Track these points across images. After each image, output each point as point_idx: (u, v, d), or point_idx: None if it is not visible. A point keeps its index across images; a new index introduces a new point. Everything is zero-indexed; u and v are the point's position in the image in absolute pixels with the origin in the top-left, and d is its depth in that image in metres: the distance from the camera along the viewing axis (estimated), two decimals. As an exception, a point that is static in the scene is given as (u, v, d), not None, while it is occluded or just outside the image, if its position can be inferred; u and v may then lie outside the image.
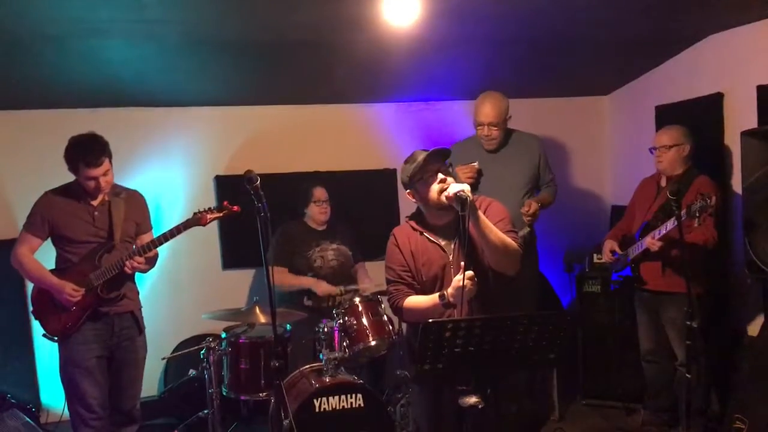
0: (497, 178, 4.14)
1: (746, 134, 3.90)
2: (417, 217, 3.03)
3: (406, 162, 2.94)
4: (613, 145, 5.78)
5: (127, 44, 3.91)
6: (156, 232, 3.72)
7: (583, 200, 5.77)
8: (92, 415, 3.57)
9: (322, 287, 4.47)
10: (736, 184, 4.23)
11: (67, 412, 3.64)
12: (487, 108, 4.10)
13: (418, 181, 2.89)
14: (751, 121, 4.09)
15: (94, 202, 3.61)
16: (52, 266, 3.61)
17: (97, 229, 3.60)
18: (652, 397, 4.30)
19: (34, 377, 4.66)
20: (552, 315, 2.61)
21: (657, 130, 4.30)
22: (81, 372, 3.54)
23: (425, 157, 2.85)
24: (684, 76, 4.81)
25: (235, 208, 3.70)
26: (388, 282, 3.02)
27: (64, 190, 3.61)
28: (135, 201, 3.78)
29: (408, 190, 2.97)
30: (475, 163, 4.09)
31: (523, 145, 4.30)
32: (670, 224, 3.67)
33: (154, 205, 4.04)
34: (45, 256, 3.62)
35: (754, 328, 4.26)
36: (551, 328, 2.52)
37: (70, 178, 3.64)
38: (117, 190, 3.70)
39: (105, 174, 3.51)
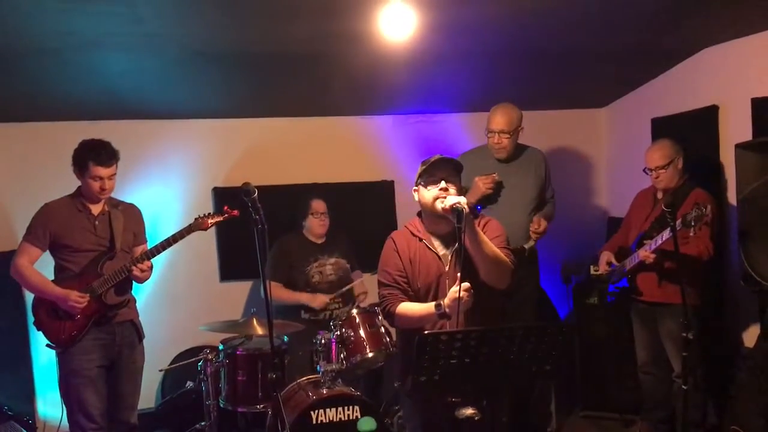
0: (507, 190, 4.18)
1: (741, 147, 3.92)
2: (420, 219, 3.05)
3: (423, 163, 2.97)
4: (610, 157, 5.81)
5: (125, 57, 3.93)
6: (152, 244, 3.75)
7: (579, 212, 5.78)
8: (93, 425, 3.58)
9: (319, 300, 4.47)
10: (732, 196, 4.26)
11: (65, 424, 3.64)
12: (499, 116, 4.16)
13: (423, 181, 2.91)
14: (746, 134, 4.12)
15: (95, 212, 3.66)
16: (50, 277, 3.63)
17: (99, 237, 3.65)
18: (649, 408, 4.30)
19: (31, 389, 4.64)
20: (548, 326, 2.62)
21: (653, 143, 4.32)
22: (83, 381, 3.55)
23: (434, 162, 2.87)
24: (679, 88, 4.84)
25: (235, 212, 3.73)
26: (382, 285, 3.00)
27: (63, 202, 3.66)
28: (132, 213, 3.85)
29: (414, 188, 3.00)
30: (495, 174, 4.12)
31: (532, 160, 4.34)
32: (665, 235, 3.68)
33: (153, 216, 4.06)
34: (40, 268, 3.63)
35: (750, 340, 4.27)
36: (547, 339, 2.53)
37: (69, 190, 3.68)
38: (114, 203, 3.77)
39: (110, 178, 3.59)
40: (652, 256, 3.83)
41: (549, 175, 4.43)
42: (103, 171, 3.55)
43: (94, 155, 3.53)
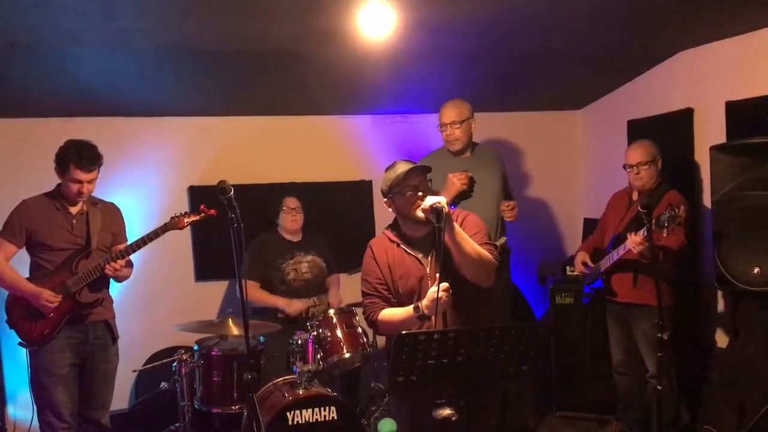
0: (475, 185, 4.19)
1: (715, 149, 3.96)
2: (395, 227, 3.03)
3: (387, 170, 2.94)
4: (586, 158, 5.85)
5: (100, 53, 3.88)
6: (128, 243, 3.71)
7: (556, 213, 5.82)
8: (63, 424, 3.55)
9: (294, 307, 4.43)
10: (706, 197, 4.31)
11: (35, 425, 3.60)
12: (448, 109, 4.20)
13: (397, 193, 2.89)
14: (720, 136, 4.17)
15: (73, 211, 3.63)
16: (25, 274, 3.59)
17: (75, 237, 3.62)
18: (624, 408, 4.33)
19: (1, 390, 4.56)
20: (524, 327, 2.62)
21: (629, 144, 4.35)
22: (54, 380, 3.52)
23: (405, 172, 2.84)
24: (655, 91, 4.89)
25: (212, 211, 3.70)
26: (364, 295, 3.01)
27: (42, 199, 3.63)
28: (111, 212, 3.82)
29: (385, 200, 2.98)
30: (467, 171, 4.13)
31: (488, 156, 4.37)
32: (643, 232, 3.68)
33: (127, 214, 4.03)
34: (16, 265, 3.58)
35: (723, 340, 4.32)
36: (524, 339, 2.53)
37: (44, 187, 3.66)
38: (94, 201, 3.74)
39: (90, 182, 3.55)
40: (643, 243, 3.69)
41: (505, 172, 4.44)
42: (82, 175, 3.51)
43: (76, 158, 3.48)
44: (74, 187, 3.53)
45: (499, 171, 4.31)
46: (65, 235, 3.59)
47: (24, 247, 3.60)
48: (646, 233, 3.69)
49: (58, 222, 3.59)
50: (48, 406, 3.54)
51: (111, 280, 3.72)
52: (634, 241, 3.79)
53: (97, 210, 3.70)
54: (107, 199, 3.88)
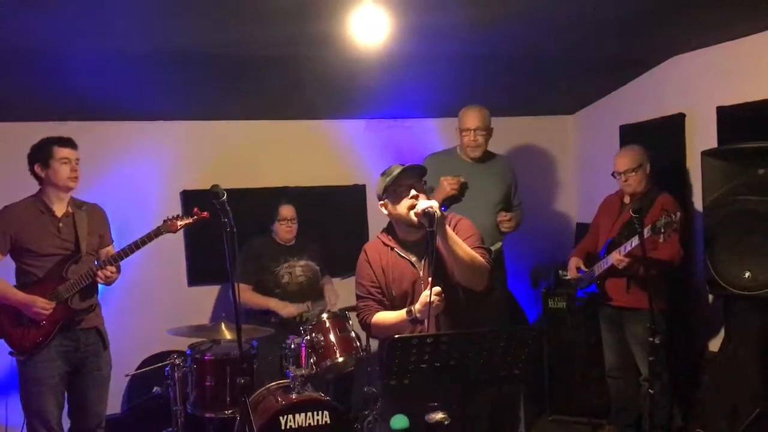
0: (472, 192, 4.20)
1: (706, 154, 3.99)
2: (389, 231, 3.04)
3: (382, 174, 2.96)
4: (578, 163, 5.87)
5: (93, 57, 3.86)
6: (119, 247, 3.69)
7: (548, 218, 5.84)
8: None
9: (288, 309, 4.44)
10: (697, 201, 4.33)
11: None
12: (474, 114, 4.20)
13: (391, 193, 2.90)
14: (711, 141, 4.20)
15: (58, 214, 3.57)
16: (11, 282, 3.54)
17: (63, 240, 3.55)
18: (617, 412, 4.34)
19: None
20: (517, 330, 2.64)
21: (622, 147, 4.38)
22: (44, 390, 3.48)
23: (399, 172, 2.86)
24: (647, 96, 4.92)
25: (205, 213, 3.68)
26: (358, 298, 3.02)
27: (26, 204, 3.57)
28: (97, 214, 3.77)
29: (380, 202, 2.99)
30: (460, 176, 4.14)
31: (499, 165, 4.40)
32: (635, 242, 3.72)
33: (119, 219, 4.02)
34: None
35: (715, 344, 4.34)
36: (517, 343, 2.54)
37: (34, 192, 3.60)
38: (78, 203, 3.69)
39: (77, 162, 3.54)
40: (626, 260, 3.86)
41: (516, 183, 4.46)
42: (69, 153, 3.50)
43: (56, 140, 3.51)
44: (66, 168, 3.50)
45: (504, 183, 4.34)
46: (53, 240, 3.52)
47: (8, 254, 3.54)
48: (628, 248, 3.77)
49: (44, 226, 3.52)
50: (36, 415, 3.49)
51: (99, 285, 3.68)
52: (617, 259, 3.87)
53: (83, 213, 3.64)
54: (100, 203, 3.85)
